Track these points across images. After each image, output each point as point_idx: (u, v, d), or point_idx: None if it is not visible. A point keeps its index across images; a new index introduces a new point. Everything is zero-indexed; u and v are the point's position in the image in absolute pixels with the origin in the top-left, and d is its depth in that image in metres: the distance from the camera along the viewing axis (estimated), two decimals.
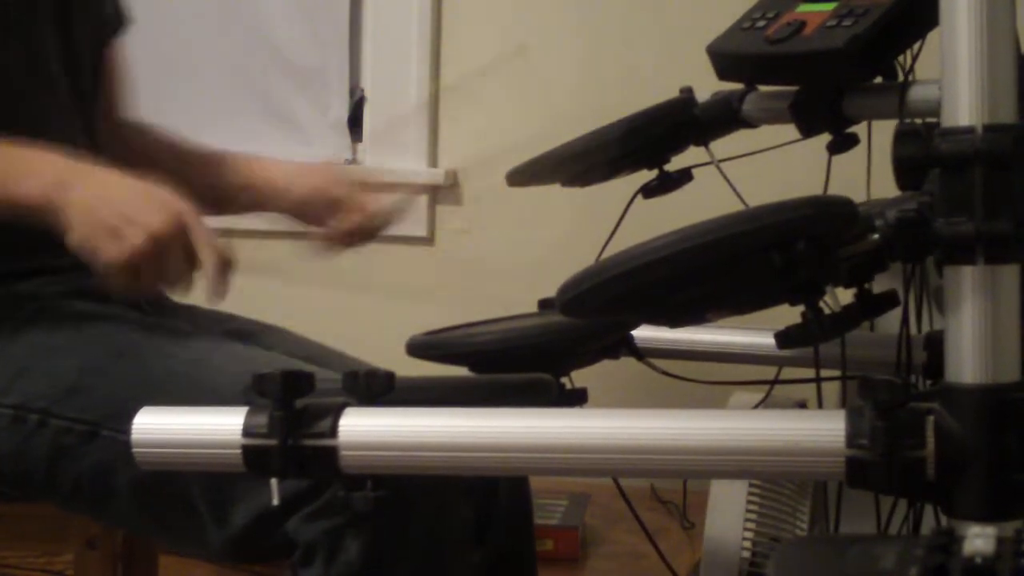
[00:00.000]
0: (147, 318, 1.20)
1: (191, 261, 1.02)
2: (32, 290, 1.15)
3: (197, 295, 1.33)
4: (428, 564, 1.02)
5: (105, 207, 1.02)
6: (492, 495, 1.24)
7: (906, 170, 0.76)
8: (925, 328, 1.11)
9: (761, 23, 1.18)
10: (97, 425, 1.05)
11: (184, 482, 1.03)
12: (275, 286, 2.27)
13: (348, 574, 0.98)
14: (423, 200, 2.27)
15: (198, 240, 1.03)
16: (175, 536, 1.10)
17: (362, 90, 2.30)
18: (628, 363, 1.29)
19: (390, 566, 1.00)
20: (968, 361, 0.73)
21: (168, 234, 1.01)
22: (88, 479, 1.06)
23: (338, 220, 1.35)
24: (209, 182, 1.36)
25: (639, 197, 1.33)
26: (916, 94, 1.12)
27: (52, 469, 1.07)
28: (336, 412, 0.81)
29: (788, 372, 1.29)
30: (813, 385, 1.07)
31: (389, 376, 0.83)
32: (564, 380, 1.17)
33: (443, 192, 2.27)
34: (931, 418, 0.72)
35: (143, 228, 1.00)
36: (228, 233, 1.09)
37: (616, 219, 1.31)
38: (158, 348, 1.11)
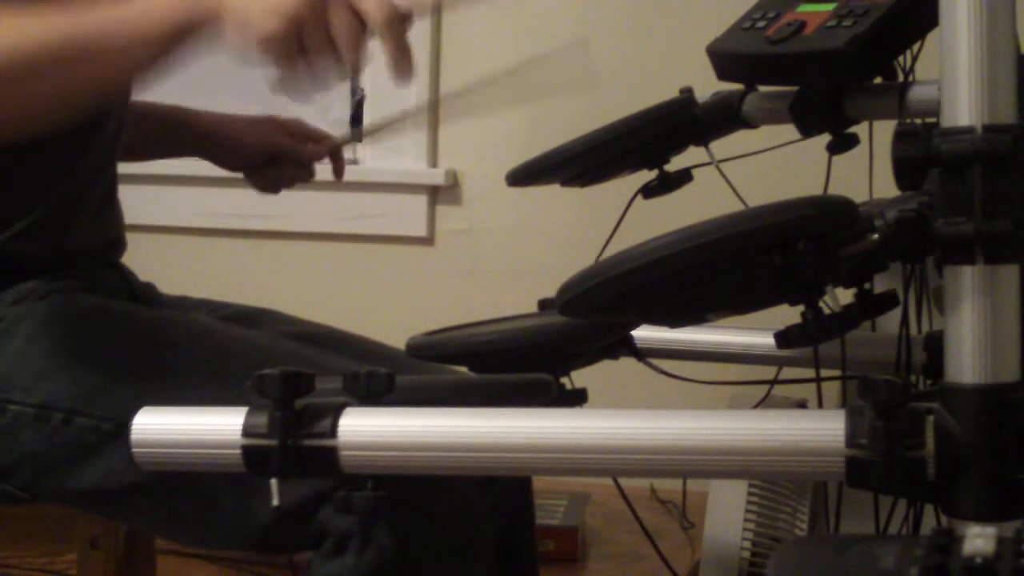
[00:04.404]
0: (159, 312, 1.20)
1: (358, 20, 0.92)
2: (42, 286, 1.14)
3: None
4: (458, 553, 1.02)
5: None
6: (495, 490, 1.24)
7: (906, 170, 0.76)
8: (925, 328, 1.11)
9: (761, 23, 1.18)
10: (123, 423, 1.04)
11: (208, 477, 1.02)
12: (274, 287, 2.28)
13: (380, 563, 0.98)
14: (423, 200, 2.27)
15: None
16: (198, 531, 1.10)
17: (362, 90, 2.30)
18: (628, 363, 1.29)
19: (422, 554, 1.00)
20: (968, 361, 0.73)
21: None
22: (110, 477, 1.06)
23: (275, 169, 1.38)
24: (147, 125, 1.37)
25: (639, 197, 1.33)
26: (916, 94, 1.12)
27: (72, 468, 1.07)
28: (336, 412, 0.81)
29: (788, 372, 1.29)
30: (813, 385, 1.06)
31: (389, 376, 0.83)
32: (564, 380, 1.17)
33: (443, 192, 2.27)
34: (931, 418, 0.72)
35: None
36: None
37: (616, 219, 1.31)
38: (179, 344, 1.11)
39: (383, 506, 0.82)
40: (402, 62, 0.93)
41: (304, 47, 0.92)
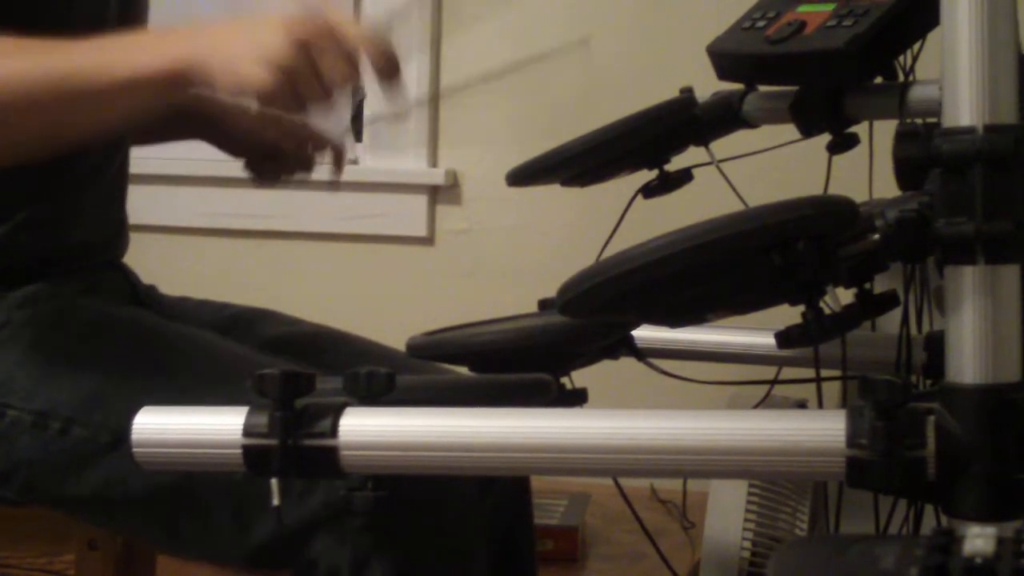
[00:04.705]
0: (162, 319, 1.20)
1: (348, 60, 0.93)
2: (48, 290, 1.14)
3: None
4: (457, 554, 1.02)
5: (237, 37, 0.93)
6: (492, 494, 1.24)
7: (906, 170, 0.76)
8: (925, 328, 1.11)
9: (761, 23, 1.18)
10: (121, 434, 1.03)
11: (205, 492, 1.02)
12: (274, 287, 2.28)
13: None
14: (423, 200, 2.27)
15: (349, 37, 0.93)
16: (191, 546, 1.10)
17: (363, 89, 2.30)
18: (628, 363, 1.29)
19: (421, 555, 1.00)
20: (968, 361, 0.73)
21: (312, 33, 0.91)
22: (106, 487, 1.06)
23: (274, 164, 1.36)
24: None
25: (639, 197, 1.33)
26: (916, 94, 1.12)
27: (68, 477, 1.07)
28: (336, 412, 0.80)
29: (788, 372, 1.29)
30: (813, 385, 1.06)
31: (389, 376, 0.83)
32: (564, 380, 1.17)
33: (443, 192, 2.27)
34: (931, 418, 0.72)
35: (283, 34, 0.90)
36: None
37: (616, 219, 1.31)
38: (181, 357, 1.11)
39: (383, 506, 0.82)
40: (392, 85, 0.95)
41: (299, 93, 0.91)
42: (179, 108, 1.37)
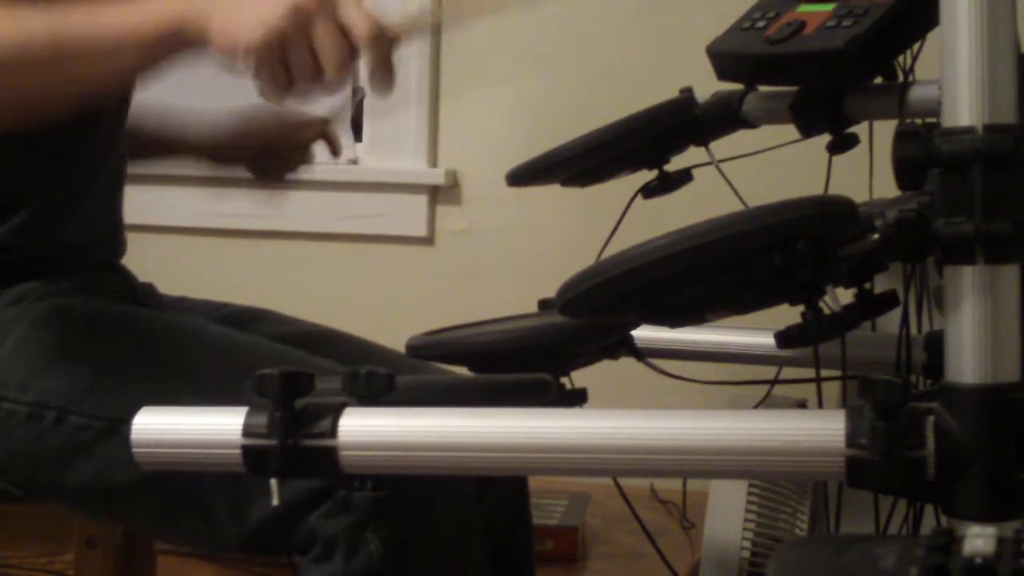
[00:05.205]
0: (156, 313, 1.20)
1: (344, 35, 0.92)
2: (41, 288, 1.15)
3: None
4: (449, 560, 1.02)
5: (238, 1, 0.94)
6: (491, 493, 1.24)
7: (906, 170, 0.76)
8: (925, 328, 1.11)
9: (761, 23, 1.18)
10: (115, 422, 1.05)
11: (199, 478, 1.02)
12: (274, 287, 2.28)
13: (368, 569, 0.98)
14: (423, 200, 2.27)
15: (349, 10, 0.92)
16: (187, 532, 1.10)
17: (362, 89, 2.30)
18: (628, 363, 1.29)
19: (411, 562, 1.00)
20: (968, 361, 0.73)
21: (313, 6, 0.91)
22: (101, 476, 1.06)
23: (274, 160, 1.37)
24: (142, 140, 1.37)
25: (639, 197, 1.33)
26: (916, 94, 1.12)
27: (65, 467, 1.07)
28: (336, 412, 0.81)
29: (788, 372, 1.29)
30: (813, 385, 1.06)
31: (389, 376, 0.83)
32: (564, 380, 1.17)
33: (443, 192, 2.27)
34: (931, 418, 0.72)
35: (284, 2, 0.91)
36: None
37: (616, 219, 1.31)
38: (176, 346, 1.12)
39: (382, 506, 0.82)
40: (384, 80, 0.93)
41: (287, 61, 0.92)
42: (170, 140, 1.38)
